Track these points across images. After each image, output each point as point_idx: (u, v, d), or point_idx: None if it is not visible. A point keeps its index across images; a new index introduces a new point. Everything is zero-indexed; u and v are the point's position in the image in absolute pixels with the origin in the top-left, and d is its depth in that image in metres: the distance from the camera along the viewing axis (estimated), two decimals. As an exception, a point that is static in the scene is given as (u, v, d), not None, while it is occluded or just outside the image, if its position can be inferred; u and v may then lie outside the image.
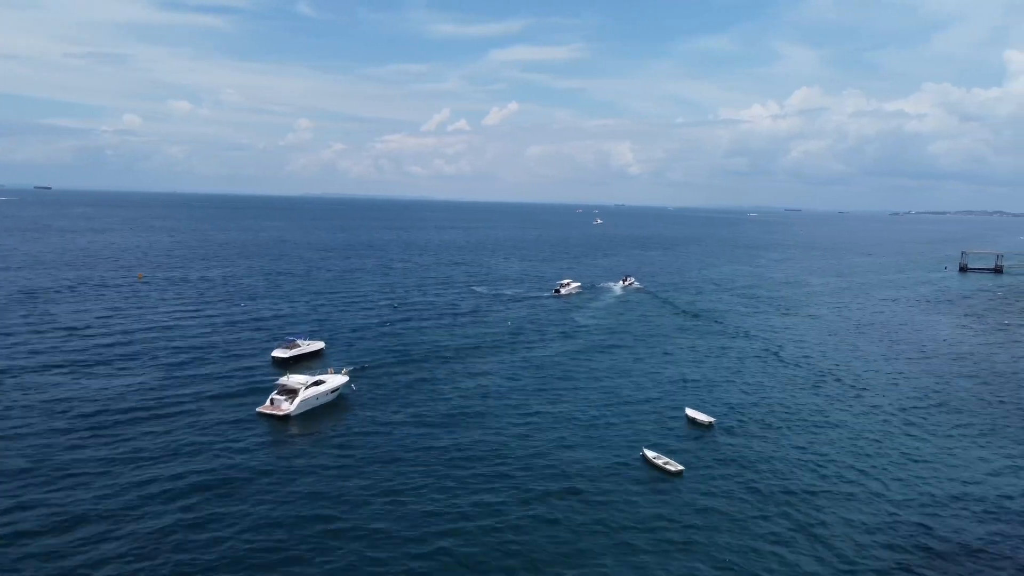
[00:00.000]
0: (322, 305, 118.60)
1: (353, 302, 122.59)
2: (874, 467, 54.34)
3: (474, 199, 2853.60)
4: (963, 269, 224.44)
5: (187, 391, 66.97)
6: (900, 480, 52.20)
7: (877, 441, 59.98)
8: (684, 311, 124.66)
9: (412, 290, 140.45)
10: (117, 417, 59.05)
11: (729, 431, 61.40)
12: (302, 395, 62.52)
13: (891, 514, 46.70)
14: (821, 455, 56.44)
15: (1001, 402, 72.15)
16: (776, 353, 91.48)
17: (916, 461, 55.97)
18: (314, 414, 62.42)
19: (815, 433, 61.59)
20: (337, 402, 65.85)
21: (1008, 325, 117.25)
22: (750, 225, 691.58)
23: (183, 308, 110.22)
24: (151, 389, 67.08)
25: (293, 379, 64.58)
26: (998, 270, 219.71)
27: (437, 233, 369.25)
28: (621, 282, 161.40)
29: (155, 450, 52.62)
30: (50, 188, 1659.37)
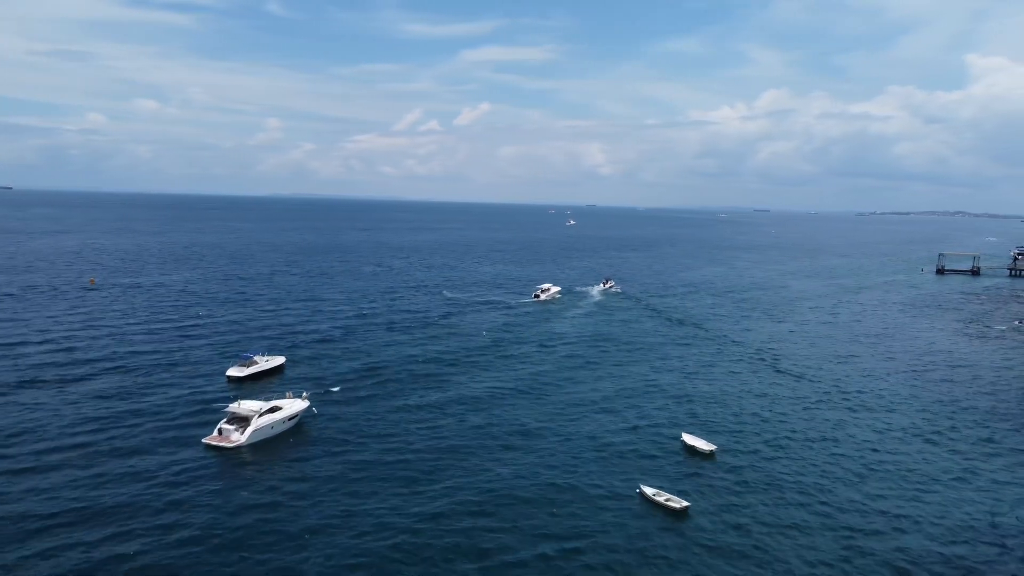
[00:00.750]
0: (285, 313, 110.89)
1: (318, 310, 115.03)
2: (900, 497, 48.69)
3: (446, 199, 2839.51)
4: (940, 271, 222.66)
5: (125, 421, 59.20)
6: (932, 511, 46.56)
7: (898, 467, 54.37)
8: (668, 317, 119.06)
9: (382, 296, 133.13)
10: (38, 459, 51.01)
11: (732, 459, 55.44)
12: (255, 424, 55.32)
13: (934, 552, 41.03)
14: (839, 484, 50.68)
15: (1016, 416, 67.22)
16: (772, 365, 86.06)
17: (945, 487, 50.50)
18: (269, 445, 55.22)
19: (827, 458, 55.89)
20: (296, 430, 58.60)
21: (1003, 331, 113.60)
22: (721, 226, 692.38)
23: (133, 318, 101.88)
24: (83, 420, 59.12)
25: (245, 405, 57.24)
26: (975, 272, 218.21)
27: (409, 235, 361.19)
28: (601, 285, 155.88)
29: (76, 501, 45.06)
30: (11, 188, 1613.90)
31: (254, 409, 56.48)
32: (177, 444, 54.57)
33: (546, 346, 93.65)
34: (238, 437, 54.56)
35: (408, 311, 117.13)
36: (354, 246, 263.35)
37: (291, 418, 58.54)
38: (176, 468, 50.12)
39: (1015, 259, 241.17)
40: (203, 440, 54.92)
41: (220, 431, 55.51)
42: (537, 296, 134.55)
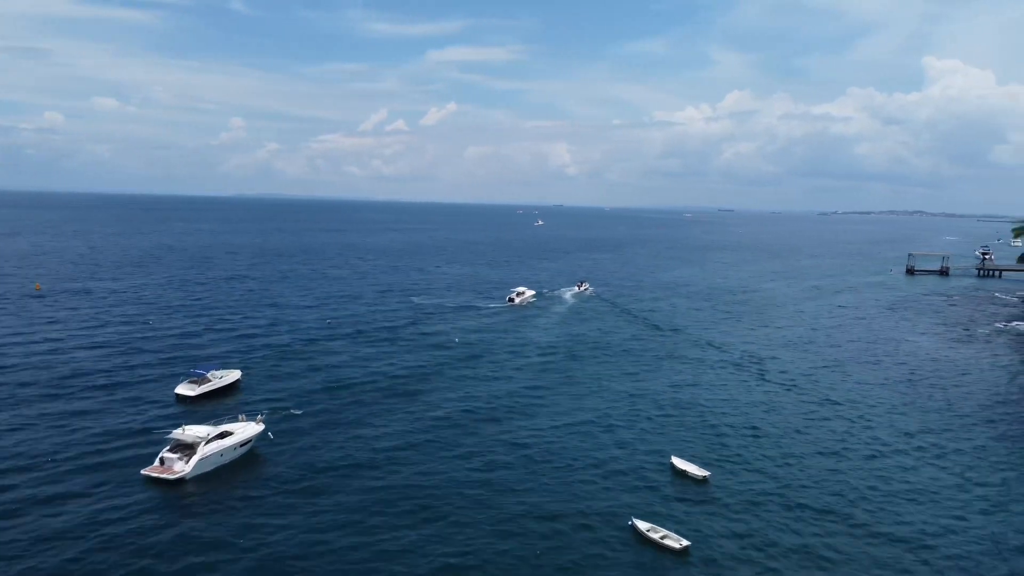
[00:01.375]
0: (243, 322, 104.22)
1: (280, 319, 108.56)
2: (917, 526, 44.63)
3: (413, 200, 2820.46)
4: (910, 272, 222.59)
5: (57, 452, 52.73)
6: (950, 541, 42.59)
7: (908, 489, 50.38)
8: (647, 323, 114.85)
9: (348, 302, 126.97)
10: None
11: (728, 485, 50.97)
12: (201, 452, 49.47)
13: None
14: (848, 513, 46.46)
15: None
16: (758, 375, 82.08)
17: (959, 506, 46.64)
18: (217, 477, 49.41)
19: (831, 482, 51.71)
20: (248, 459, 52.80)
21: (987, 334, 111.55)
22: (689, 226, 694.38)
23: (77, 328, 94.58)
24: (3, 453, 52.64)
25: (190, 431, 51.28)
26: (944, 272, 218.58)
27: (376, 236, 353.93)
28: (576, 288, 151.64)
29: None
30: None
31: (201, 435, 50.57)
32: (113, 475, 48.50)
33: (522, 356, 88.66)
34: (182, 467, 48.67)
35: (376, 319, 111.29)
36: (319, 248, 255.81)
37: (243, 444, 52.76)
38: (108, 503, 44.17)
39: (983, 259, 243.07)
40: (142, 471, 48.92)
41: (162, 460, 49.54)
42: (511, 300, 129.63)
